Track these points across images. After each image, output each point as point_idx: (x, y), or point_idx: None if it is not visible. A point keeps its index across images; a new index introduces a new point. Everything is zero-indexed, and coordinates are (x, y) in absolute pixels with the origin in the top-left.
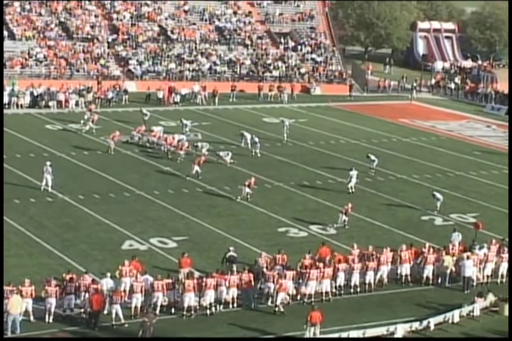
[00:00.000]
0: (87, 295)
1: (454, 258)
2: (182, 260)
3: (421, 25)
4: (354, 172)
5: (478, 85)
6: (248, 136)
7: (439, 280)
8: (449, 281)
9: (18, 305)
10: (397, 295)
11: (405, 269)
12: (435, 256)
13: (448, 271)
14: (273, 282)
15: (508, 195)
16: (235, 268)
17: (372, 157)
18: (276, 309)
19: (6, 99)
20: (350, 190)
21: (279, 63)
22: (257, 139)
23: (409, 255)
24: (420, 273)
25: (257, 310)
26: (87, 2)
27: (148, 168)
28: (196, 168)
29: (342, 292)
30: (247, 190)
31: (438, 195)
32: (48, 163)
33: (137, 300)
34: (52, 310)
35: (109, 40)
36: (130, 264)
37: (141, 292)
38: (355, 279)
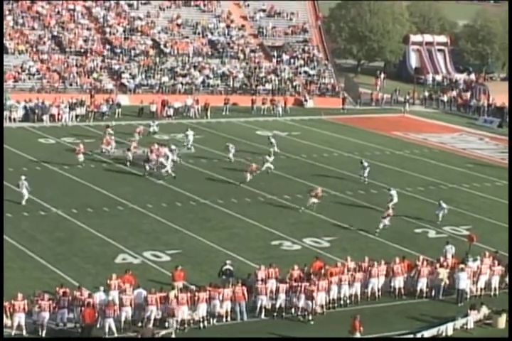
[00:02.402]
0: (80, 309)
1: (448, 270)
2: (175, 273)
3: (413, 38)
4: (394, 192)
5: (470, 98)
6: (232, 148)
7: (433, 293)
8: (442, 294)
9: None
10: (391, 307)
11: (398, 282)
12: (429, 269)
13: (442, 284)
14: (265, 295)
15: (508, 207)
16: (231, 282)
17: (366, 164)
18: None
19: None
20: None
21: (272, 76)
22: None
23: (402, 268)
24: (414, 286)
25: (250, 323)
26: (79, 16)
27: (141, 182)
28: (248, 176)
29: (335, 305)
30: (314, 200)
31: (444, 205)
32: (23, 178)
33: (127, 313)
34: (45, 324)
35: (102, 53)
36: (118, 278)
37: (131, 305)
38: (345, 291)
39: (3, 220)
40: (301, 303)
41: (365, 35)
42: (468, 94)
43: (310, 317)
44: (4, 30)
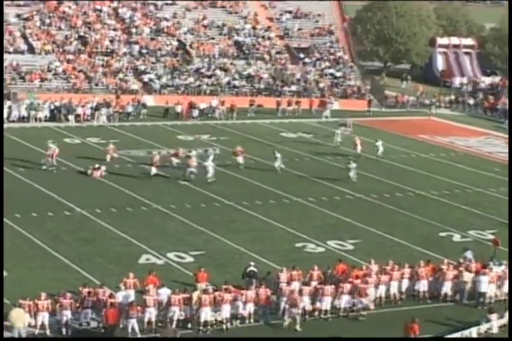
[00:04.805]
0: (104, 309)
1: (473, 274)
2: (199, 274)
3: (440, 40)
4: None
5: (497, 101)
6: (210, 150)
7: (458, 297)
8: (467, 298)
9: (19, 318)
10: (415, 311)
11: (423, 286)
12: (454, 273)
13: (467, 288)
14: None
15: (508, 206)
16: (254, 284)
17: (380, 142)
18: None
19: (25, 113)
20: None
21: (298, 78)
22: (278, 155)
23: (427, 271)
24: (438, 290)
25: (272, 326)
26: (106, 16)
27: (165, 182)
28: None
29: (354, 308)
30: None
31: None
32: None
33: (150, 314)
34: (68, 322)
35: (128, 54)
36: (135, 277)
37: (154, 306)
38: (370, 294)
39: (3, 221)
40: (325, 306)
41: (391, 38)
42: (505, 98)
43: (364, 314)
44: (31, 31)
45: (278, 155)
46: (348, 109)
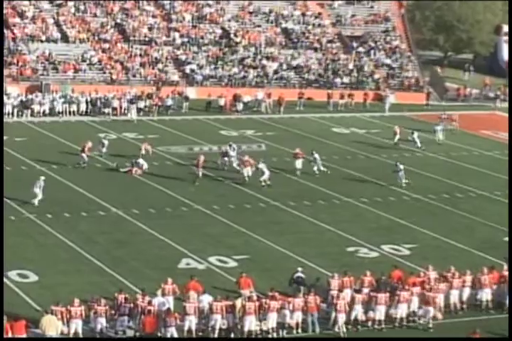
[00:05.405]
0: (141, 316)
1: None
2: (241, 280)
3: (506, 28)
4: None
5: None
6: (233, 147)
7: None
8: None
9: (51, 326)
10: (477, 322)
11: (486, 294)
12: None
13: None
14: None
15: (508, 206)
16: (302, 291)
17: (416, 134)
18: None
19: (59, 107)
20: None
21: (351, 69)
22: (317, 155)
23: (490, 279)
24: (503, 299)
25: (322, 336)
26: (145, 2)
27: (206, 182)
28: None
29: (416, 318)
30: None
31: None
32: (42, 178)
33: (190, 322)
34: (103, 330)
35: (168, 43)
36: (174, 282)
37: (195, 313)
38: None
39: (4, 219)
40: (379, 315)
41: (452, 25)
42: None
43: (431, 325)
44: (65, 18)
45: (316, 155)
46: (404, 103)
